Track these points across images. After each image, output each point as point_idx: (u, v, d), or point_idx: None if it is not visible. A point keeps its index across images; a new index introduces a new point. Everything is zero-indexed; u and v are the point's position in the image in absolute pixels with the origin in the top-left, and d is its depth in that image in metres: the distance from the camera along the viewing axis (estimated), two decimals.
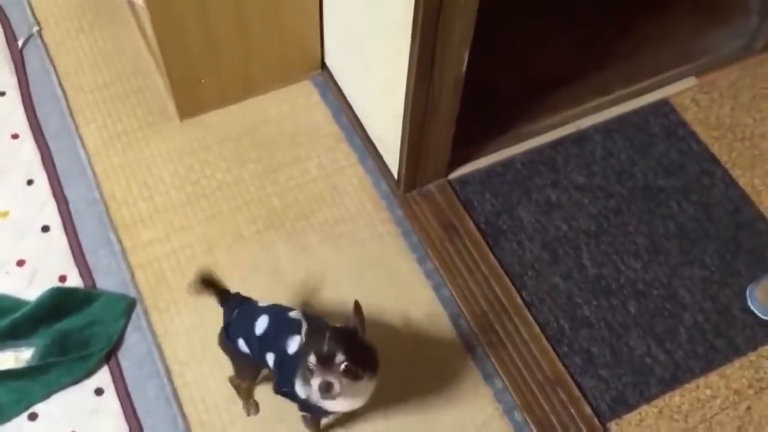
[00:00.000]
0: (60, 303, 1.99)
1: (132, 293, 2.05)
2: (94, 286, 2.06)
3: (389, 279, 2.10)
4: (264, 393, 1.87)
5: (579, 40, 2.54)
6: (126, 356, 1.97)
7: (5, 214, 2.17)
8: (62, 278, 2.07)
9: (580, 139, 2.34)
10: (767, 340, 2.02)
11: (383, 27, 1.93)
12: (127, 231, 2.14)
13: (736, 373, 1.97)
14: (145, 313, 2.02)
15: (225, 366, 1.81)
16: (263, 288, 2.04)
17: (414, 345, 2.00)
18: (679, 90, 2.44)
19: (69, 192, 2.21)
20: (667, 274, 2.11)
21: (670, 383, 1.95)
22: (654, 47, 2.51)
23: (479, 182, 2.26)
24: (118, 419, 1.88)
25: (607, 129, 2.35)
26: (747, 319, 2.05)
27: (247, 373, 1.81)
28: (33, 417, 1.89)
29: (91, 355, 1.93)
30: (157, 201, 2.20)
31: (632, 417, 1.91)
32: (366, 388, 1.53)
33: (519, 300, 2.07)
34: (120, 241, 2.12)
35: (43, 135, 2.31)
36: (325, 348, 1.44)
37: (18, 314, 1.96)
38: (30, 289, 2.04)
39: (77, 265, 2.09)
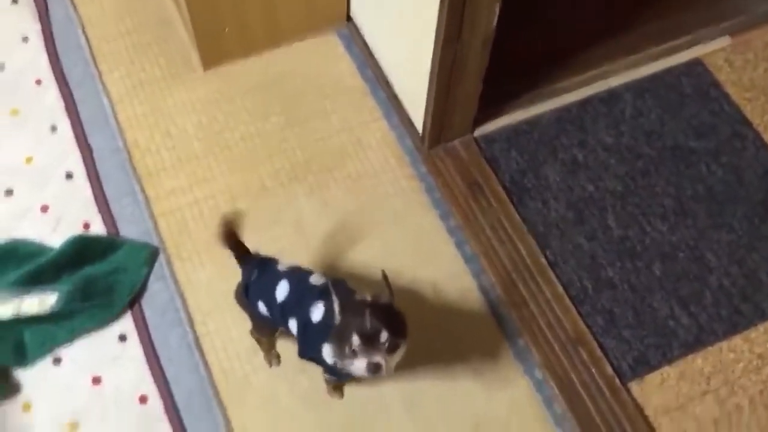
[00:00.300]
0: (84, 250, 2.00)
1: (155, 242, 2.05)
2: (117, 234, 2.07)
3: (411, 235, 2.08)
4: (286, 345, 1.88)
5: None
6: (149, 304, 1.98)
7: (29, 159, 2.17)
8: (86, 226, 2.07)
9: (609, 97, 2.29)
10: None
11: None
12: (150, 180, 2.14)
13: (761, 337, 1.95)
14: (168, 262, 2.03)
15: (247, 317, 1.82)
16: (286, 241, 2.04)
17: (435, 302, 1.99)
18: (712, 50, 2.38)
19: (92, 140, 2.21)
20: (694, 236, 2.08)
21: (693, 346, 1.94)
22: (687, 5, 2.44)
23: (505, 140, 2.22)
24: (141, 366, 1.90)
25: (637, 88, 2.30)
26: None
27: (266, 330, 1.81)
28: (57, 361, 1.91)
29: (114, 302, 1.94)
30: (180, 151, 2.19)
31: (653, 378, 1.90)
32: (399, 355, 1.51)
33: (543, 259, 2.05)
34: (143, 190, 2.12)
35: (66, 82, 2.30)
36: (368, 326, 1.41)
37: (42, 260, 1.97)
38: (54, 235, 2.05)
39: (101, 212, 2.09)
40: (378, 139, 2.23)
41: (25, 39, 2.38)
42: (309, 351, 1.61)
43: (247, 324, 1.83)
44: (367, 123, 2.26)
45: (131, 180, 2.14)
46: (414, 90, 2.11)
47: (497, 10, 1.81)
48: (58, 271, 1.97)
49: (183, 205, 2.10)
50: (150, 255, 2.02)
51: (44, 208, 2.10)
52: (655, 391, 1.89)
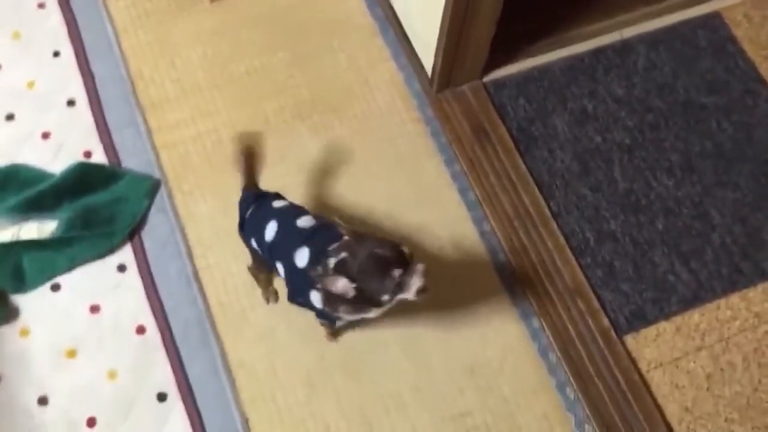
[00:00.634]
0: (85, 178, 1.98)
1: (156, 174, 2.03)
2: (119, 164, 2.05)
3: (415, 179, 2.07)
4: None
5: None
6: (149, 236, 1.97)
7: (31, 84, 2.14)
8: (87, 154, 2.05)
9: (623, 48, 2.25)
10: None
11: None
12: (153, 111, 2.11)
13: (759, 296, 1.96)
14: (170, 195, 2.01)
15: (246, 253, 1.81)
16: (288, 179, 2.02)
17: (435, 246, 1.99)
18: (731, 3, 2.32)
19: (95, 67, 2.17)
20: (699, 193, 2.07)
21: (691, 302, 1.95)
22: None
23: (515, 86, 2.19)
24: (140, 296, 1.91)
25: (652, 40, 2.26)
26: None
27: (263, 267, 1.80)
28: (56, 288, 1.91)
29: (114, 231, 1.94)
30: (185, 82, 2.15)
31: (649, 332, 1.91)
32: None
33: (546, 209, 2.04)
34: (146, 121, 2.09)
35: (70, 7, 2.24)
36: (402, 254, 1.44)
37: (43, 186, 1.96)
38: (55, 162, 2.03)
39: (102, 142, 2.07)
40: (386, 80, 2.19)
41: None
42: (297, 295, 1.61)
43: (246, 258, 1.83)
44: (375, 63, 2.21)
45: (134, 110, 2.11)
46: (425, 30, 2.06)
47: None
48: (59, 198, 1.96)
49: (186, 138, 2.08)
50: (151, 186, 2.01)
51: (45, 135, 2.07)
52: (649, 344, 1.90)
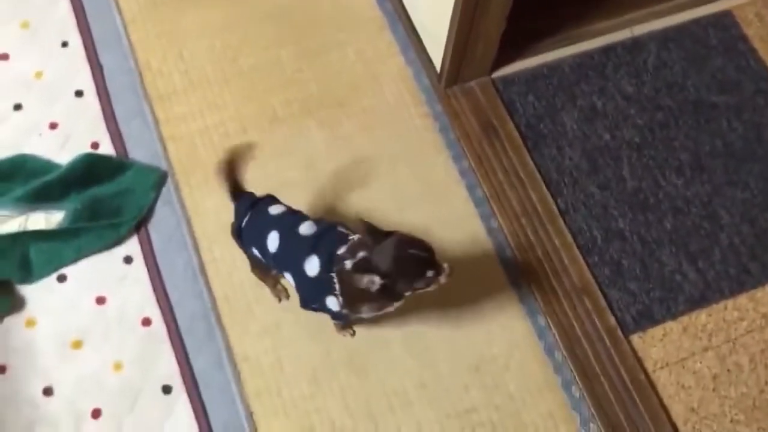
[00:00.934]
0: (92, 169, 1.98)
1: (163, 166, 2.03)
2: (126, 155, 2.04)
3: (422, 175, 2.06)
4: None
5: None
6: (156, 228, 1.97)
7: (39, 74, 2.13)
8: (94, 145, 2.05)
9: (633, 46, 2.24)
10: None
11: None
12: (161, 103, 2.10)
13: (767, 297, 1.95)
14: (176, 187, 2.01)
15: None
16: (295, 173, 2.01)
17: (442, 242, 1.98)
18: (743, 2, 2.31)
19: (104, 58, 2.16)
20: (708, 192, 2.06)
21: (699, 302, 1.94)
22: None
23: (524, 83, 2.18)
24: (146, 288, 1.90)
25: (663, 37, 2.24)
26: None
27: (266, 271, 1.80)
28: (62, 279, 1.91)
29: (121, 223, 1.93)
30: (193, 75, 2.15)
31: (656, 331, 1.91)
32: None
33: (554, 207, 2.03)
34: (153, 113, 2.09)
35: None
36: (425, 253, 1.47)
37: (50, 177, 1.96)
38: (62, 153, 2.03)
39: (110, 132, 2.06)
40: (394, 74, 2.18)
41: None
42: (310, 302, 1.61)
43: None
44: (383, 57, 2.21)
45: (141, 102, 2.10)
46: (434, 25, 2.05)
47: None
48: (66, 189, 1.96)
49: (193, 131, 2.07)
50: (158, 179, 2.00)
51: (53, 125, 2.07)
52: (656, 344, 1.89)
